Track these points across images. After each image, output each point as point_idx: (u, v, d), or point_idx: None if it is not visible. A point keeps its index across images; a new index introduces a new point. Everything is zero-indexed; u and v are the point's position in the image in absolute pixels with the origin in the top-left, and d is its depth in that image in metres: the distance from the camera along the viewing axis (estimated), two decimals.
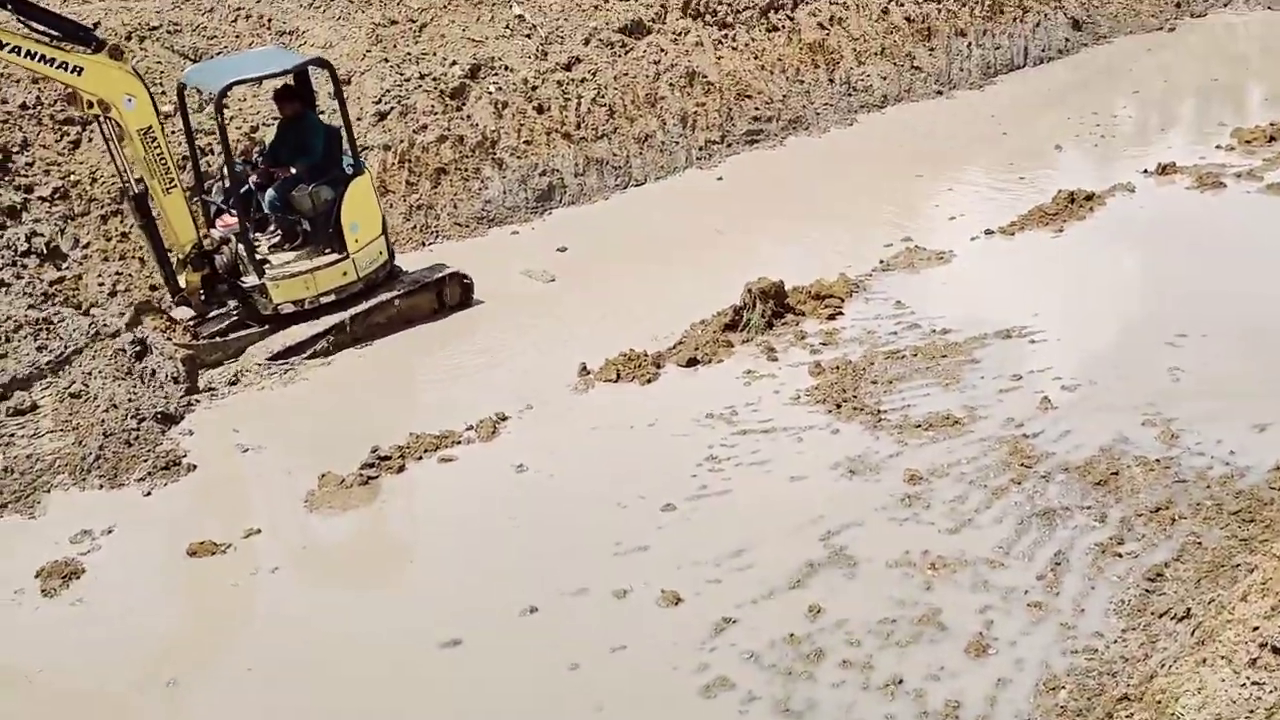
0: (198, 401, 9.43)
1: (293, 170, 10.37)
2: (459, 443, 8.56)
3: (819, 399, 8.77)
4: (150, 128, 9.48)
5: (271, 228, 10.76)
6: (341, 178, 10.51)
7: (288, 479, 8.20)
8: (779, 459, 8.03)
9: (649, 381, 9.30)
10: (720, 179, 14.81)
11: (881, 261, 11.46)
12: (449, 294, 11.02)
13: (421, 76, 14.10)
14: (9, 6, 8.97)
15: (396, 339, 10.52)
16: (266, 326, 10.28)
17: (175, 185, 9.80)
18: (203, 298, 10.31)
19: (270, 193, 10.50)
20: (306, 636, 6.62)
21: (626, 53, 15.78)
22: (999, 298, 10.39)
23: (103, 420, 8.84)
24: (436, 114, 13.76)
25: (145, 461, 8.47)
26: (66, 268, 10.98)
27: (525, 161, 14.04)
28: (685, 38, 16.41)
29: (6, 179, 11.31)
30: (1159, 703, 4.50)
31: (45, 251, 10.88)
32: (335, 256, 10.48)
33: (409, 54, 14.43)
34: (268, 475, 8.40)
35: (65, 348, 9.66)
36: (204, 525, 7.67)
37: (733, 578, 6.74)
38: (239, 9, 14.21)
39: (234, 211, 10.26)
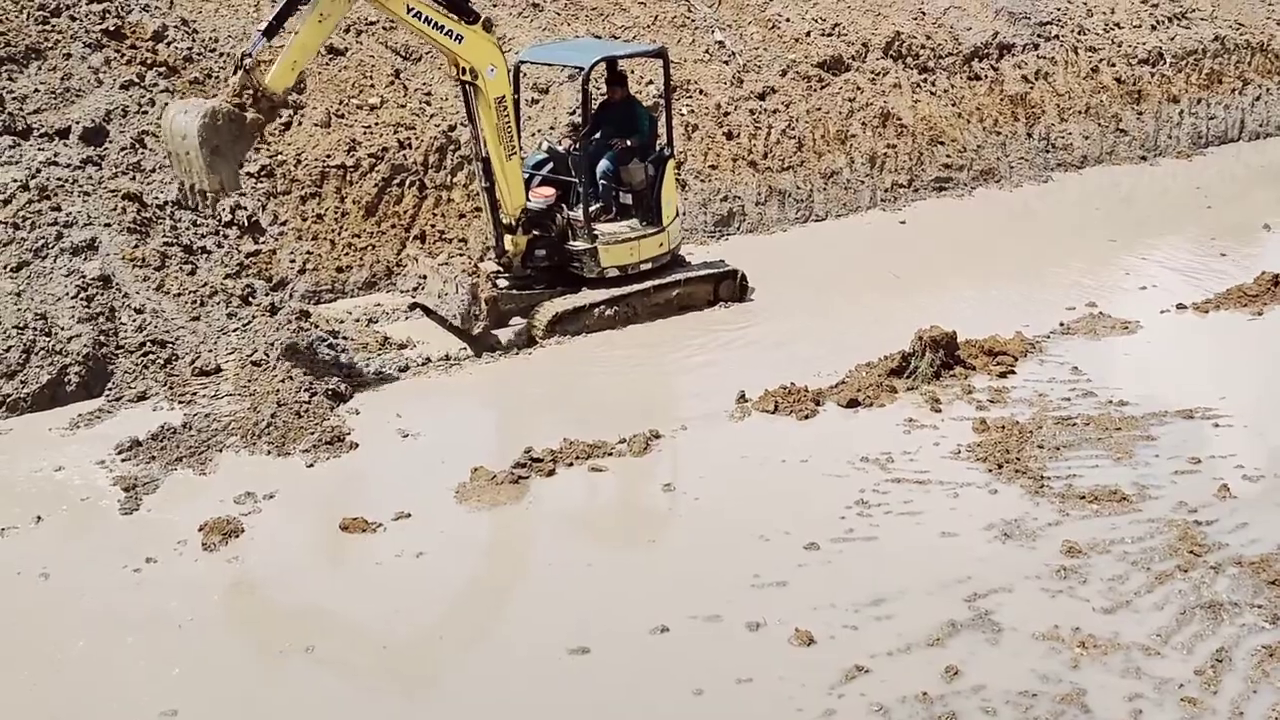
0: (365, 383, 9.75)
1: (629, 143, 11.35)
2: (610, 454, 8.61)
3: (980, 456, 8.50)
4: (504, 96, 10.41)
5: (595, 200, 11.51)
6: (661, 158, 11.47)
7: (441, 467, 8.39)
8: (931, 512, 7.80)
9: (807, 418, 9.19)
10: (903, 223, 14.58)
11: (1062, 324, 11.07)
12: (724, 289, 11.73)
13: None
14: None
15: (644, 327, 11.18)
16: (561, 290, 11.08)
17: (515, 153, 10.69)
18: (521, 261, 11.16)
19: (604, 163, 11.43)
20: (441, 624, 6.75)
21: (822, 87, 15.72)
22: (1185, 375, 9.89)
23: (278, 390, 9.23)
24: None
25: (312, 434, 8.79)
26: (263, 242, 11.55)
27: (708, 185, 14.12)
28: (883, 78, 16.24)
29: None
30: None
31: (246, 224, 11.46)
32: (654, 229, 11.42)
33: None
34: (423, 462, 8.61)
35: (252, 317, 10.16)
36: (358, 502, 7.90)
37: (870, 626, 6.57)
38: None
39: (573, 180, 11.21)
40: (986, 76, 17.10)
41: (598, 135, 11.55)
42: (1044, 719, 5.79)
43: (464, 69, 10.28)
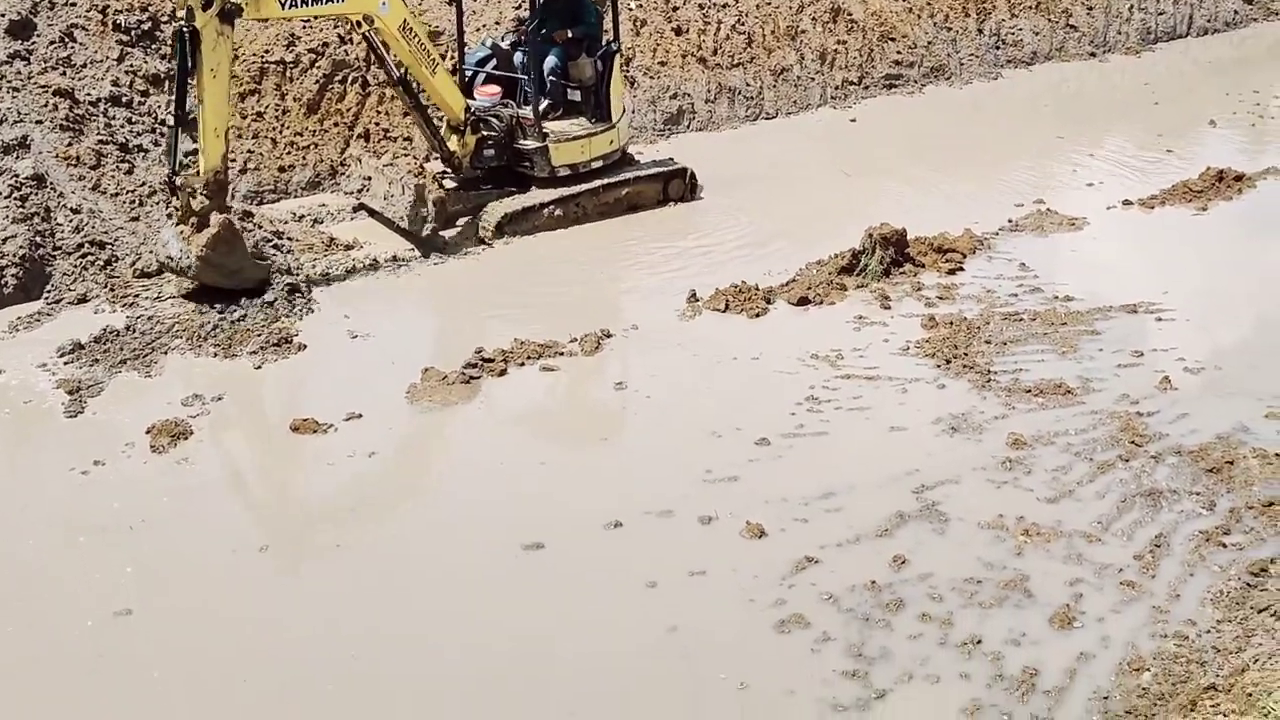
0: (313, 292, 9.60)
1: (570, 34, 11.02)
2: (561, 354, 8.60)
3: (928, 352, 8.58)
4: (405, 21, 9.98)
5: (543, 98, 11.23)
6: (609, 53, 11.15)
7: (391, 368, 8.33)
8: (880, 407, 7.90)
9: (757, 316, 9.21)
10: (854, 120, 14.50)
11: (1010, 221, 11.13)
12: (673, 187, 11.56)
13: None
14: None
15: (603, 225, 11.06)
16: (512, 190, 10.91)
17: (437, 64, 10.39)
18: (471, 163, 10.93)
19: (551, 59, 11.13)
20: (392, 523, 6.76)
21: None
22: (1129, 271, 10.03)
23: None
24: None
25: (259, 336, 8.68)
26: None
27: (657, 83, 13.92)
28: None
29: (155, 48, 11.57)
30: (1249, 695, 4.35)
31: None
32: (604, 125, 11.19)
33: None
34: (374, 363, 8.55)
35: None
36: (308, 404, 7.84)
37: (820, 519, 6.68)
38: None
39: (521, 78, 11.05)
40: None
41: (543, 29, 11.28)
42: (988, 604, 5.95)
43: (359, 22, 9.88)
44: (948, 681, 5.44)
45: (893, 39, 15.93)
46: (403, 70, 10.29)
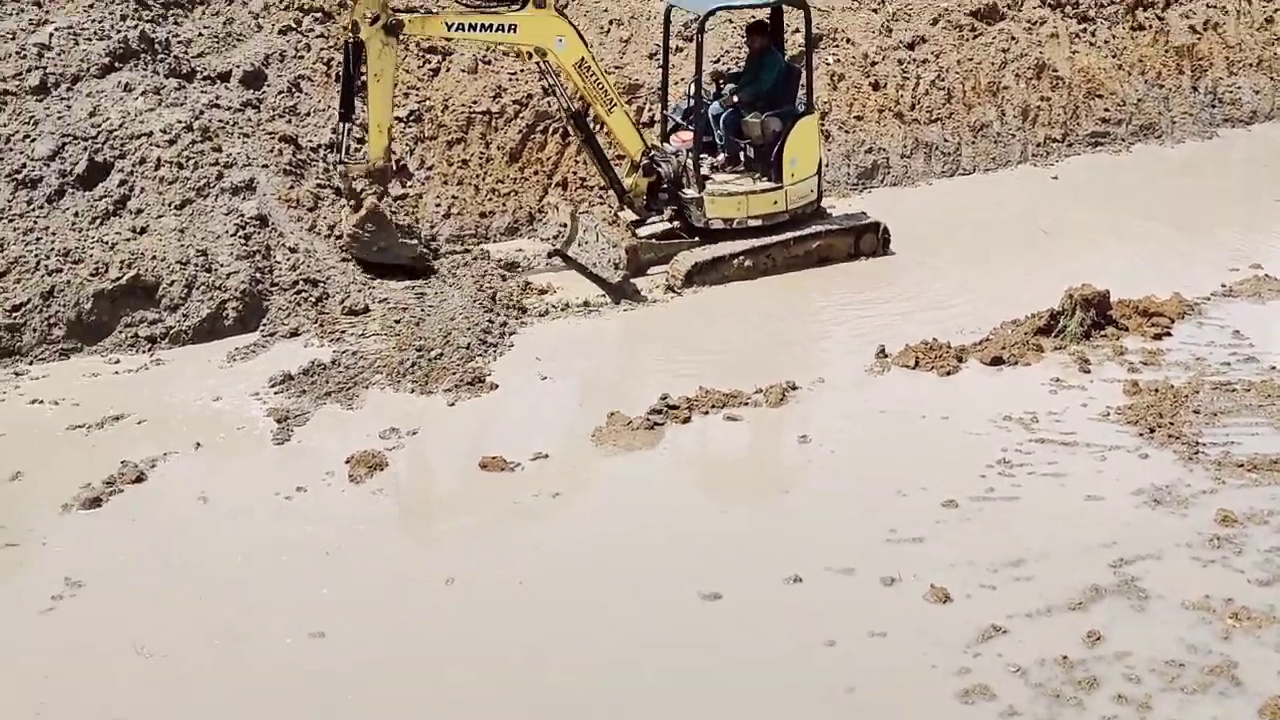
0: (513, 330, 9.87)
1: (739, 96, 11.19)
2: (746, 404, 8.58)
3: (1130, 419, 8.20)
4: (583, 59, 10.38)
5: (720, 152, 11.50)
6: (792, 114, 11.26)
7: (579, 411, 8.49)
8: (1076, 475, 7.58)
9: (948, 374, 9.00)
10: (1055, 178, 14.09)
11: (1224, 286, 10.58)
12: (865, 242, 11.52)
13: None
14: None
15: (793, 277, 11.09)
16: (697, 239, 11.07)
17: (615, 104, 10.77)
18: (645, 203, 11.20)
19: (726, 115, 11.31)
20: (573, 564, 6.84)
21: (975, 37, 15.21)
22: None
23: (419, 333, 9.46)
24: None
25: (454, 374, 8.98)
26: (409, 186, 11.77)
27: (852, 137, 13.85)
28: (1040, 28, 15.63)
29: None
30: None
31: (394, 168, 11.66)
32: (770, 185, 11.19)
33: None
34: (562, 405, 8.73)
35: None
36: (498, 442, 8.05)
37: (1009, 587, 6.44)
38: None
39: (692, 128, 11.11)
40: (1151, 26, 16.28)
41: (729, 86, 11.38)
42: (1191, 689, 5.61)
43: (529, 53, 10.31)
44: None
45: (1100, 95, 15.42)
46: (580, 103, 10.63)
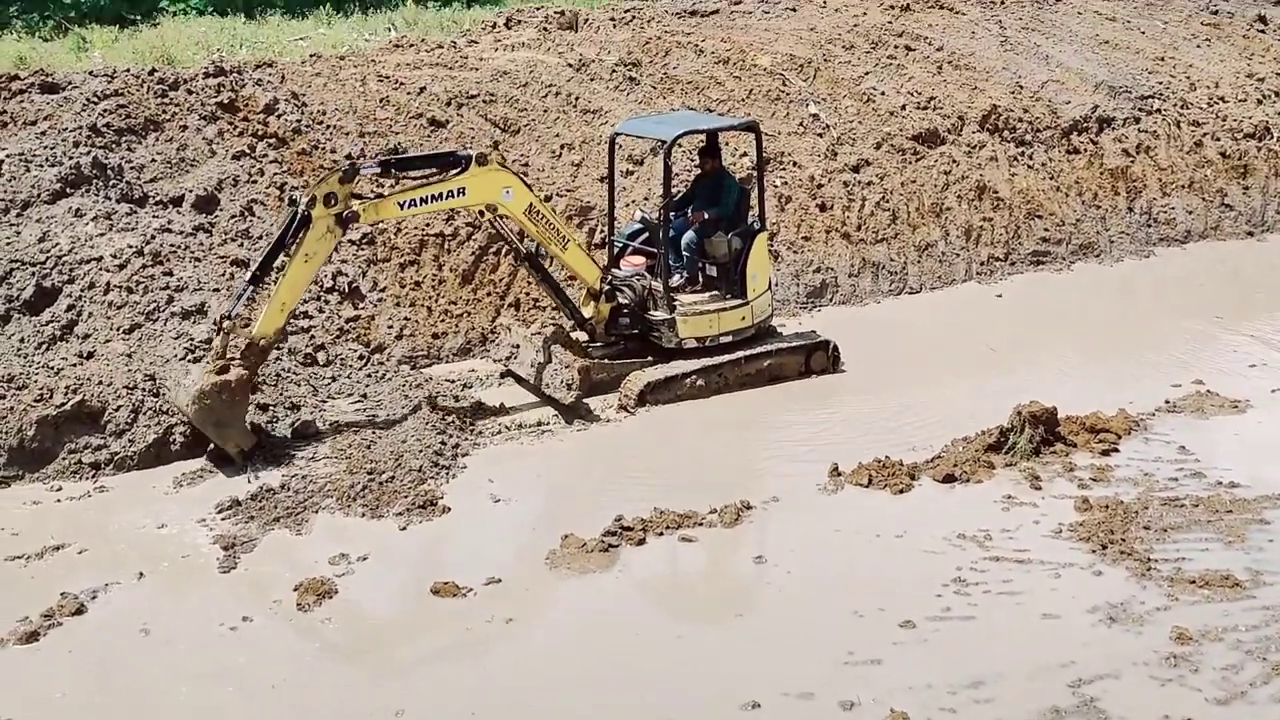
0: (465, 453, 9.81)
1: (706, 215, 11.35)
2: (701, 524, 8.54)
3: (1083, 536, 8.24)
4: (531, 204, 10.51)
5: (680, 272, 11.64)
6: (749, 231, 11.44)
7: (532, 534, 8.40)
8: (1032, 593, 7.57)
9: (901, 492, 9.03)
10: (1000, 296, 14.38)
11: (1168, 402, 10.75)
12: (816, 360, 11.64)
13: None
14: (393, 171, 10.30)
15: (746, 395, 11.13)
16: (651, 359, 11.16)
17: (568, 240, 10.86)
18: (604, 328, 11.28)
19: (689, 235, 11.50)
20: (529, 695, 6.68)
21: (918, 160, 15.66)
22: None
23: (370, 456, 9.36)
24: None
25: (405, 498, 8.88)
26: (362, 307, 11.79)
27: (801, 257, 14.10)
28: (980, 151, 16.14)
29: None
30: None
31: (346, 290, 11.72)
32: (737, 302, 11.37)
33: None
34: (514, 527, 8.63)
35: (353, 383, 10.35)
36: (450, 567, 7.93)
37: (968, 709, 6.37)
38: (550, 86, 15.01)
39: (657, 251, 11.25)
40: (1086, 150, 16.87)
41: (688, 207, 11.62)
42: None
43: (481, 210, 10.48)
44: None
45: (1039, 216, 15.87)
46: (533, 246, 10.74)
